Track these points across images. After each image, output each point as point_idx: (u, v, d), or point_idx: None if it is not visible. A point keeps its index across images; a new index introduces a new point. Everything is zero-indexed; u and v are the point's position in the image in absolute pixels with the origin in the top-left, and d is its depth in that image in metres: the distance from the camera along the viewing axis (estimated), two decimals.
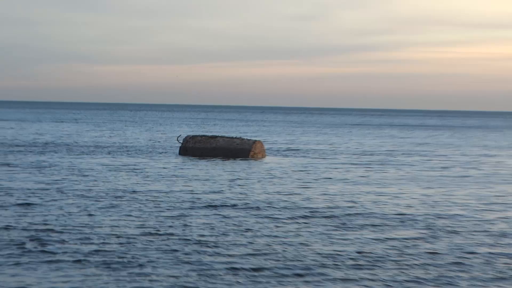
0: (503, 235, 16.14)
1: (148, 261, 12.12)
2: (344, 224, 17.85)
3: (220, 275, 11.48)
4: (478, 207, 21.96)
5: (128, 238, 14.38)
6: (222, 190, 23.68)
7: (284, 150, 49.77)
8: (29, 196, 20.56)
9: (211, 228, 16.16)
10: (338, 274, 11.87)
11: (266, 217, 18.31)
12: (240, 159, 37.69)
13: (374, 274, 12.02)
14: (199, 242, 13.96)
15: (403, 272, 12.12)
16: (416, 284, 11.14)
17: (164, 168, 32.87)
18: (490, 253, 13.60)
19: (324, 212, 19.91)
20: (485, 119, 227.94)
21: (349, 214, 19.33)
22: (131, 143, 56.61)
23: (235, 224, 16.90)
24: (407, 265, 12.65)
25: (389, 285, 10.95)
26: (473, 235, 16.04)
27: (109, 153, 42.93)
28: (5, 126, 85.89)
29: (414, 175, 32.41)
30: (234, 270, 11.79)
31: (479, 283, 11.30)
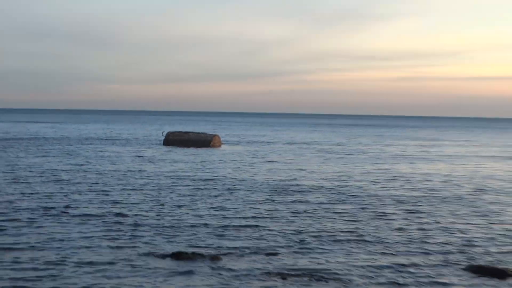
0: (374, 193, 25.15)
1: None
2: (276, 191, 25.69)
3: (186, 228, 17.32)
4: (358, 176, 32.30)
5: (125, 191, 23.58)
6: (195, 167, 34.09)
7: (235, 141, 64.49)
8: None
9: (189, 193, 24.24)
10: (274, 225, 17.73)
11: (224, 184, 27.38)
12: (204, 148, 50.15)
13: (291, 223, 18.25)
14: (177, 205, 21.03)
15: (315, 222, 18.53)
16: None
17: (153, 153, 44.37)
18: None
19: (258, 182, 28.71)
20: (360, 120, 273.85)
21: (277, 184, 27.64)
22: (135, 136, 73.10)
23: (206, 188, 25.59)
24: (318, 217, 19.22)
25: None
26: (359, 198, 23.96)
27: (123, 145, 55.93)
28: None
29: (328, 157, 44.82)
30: (205, 226, 17.51)
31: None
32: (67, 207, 20.48)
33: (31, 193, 23.07)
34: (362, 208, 21.58)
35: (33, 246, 14.53)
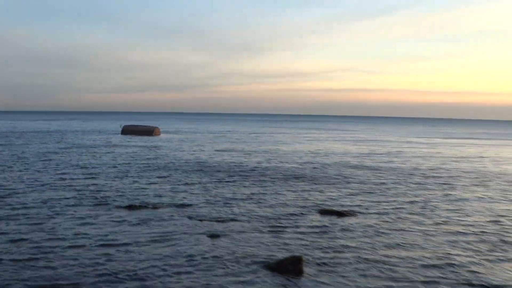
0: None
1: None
2: (201, 170, 30.88)
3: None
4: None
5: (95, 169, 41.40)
6: (142, 147, 49.26)
7: (171, 131, 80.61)
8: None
9: (140, 164, 42.21)
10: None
11: (161, 156, 42.52)
12: (149, 135, 65.26)
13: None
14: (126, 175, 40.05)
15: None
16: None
17: (115, 138, 59.11)
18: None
19: (190, 160, 41.24)
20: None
21: (206, 165, 37.04)
22: (104, 129, 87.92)
23: (150, 163, 41.69)
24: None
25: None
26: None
27: (97, 134, 71.37)
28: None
29: (243, 139, 57.44)
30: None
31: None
32: (62, 174, 29.26)
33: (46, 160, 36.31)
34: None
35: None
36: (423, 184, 27.60)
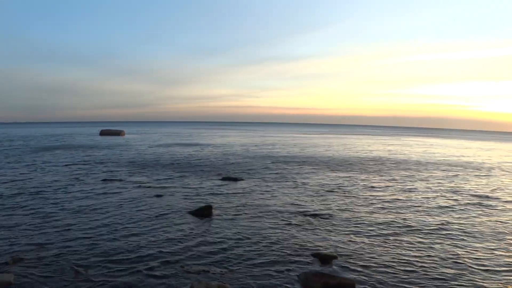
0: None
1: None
2: (166, 165, 32.64)
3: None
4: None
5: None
6: (113, 143, 47.27)
7: (133, 132, 77.93)
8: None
9: (111, 154, 41.60)
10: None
11: (124, 149, 43.71)
12: (118, 136, 63.29)
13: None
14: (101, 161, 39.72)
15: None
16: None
17: (95, 138, 56.59)
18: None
19: (145, 150, 43.67)
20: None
21: (168, 163, 43.29)
22: (87, 133, 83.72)
23: (117, 153, 42.34)
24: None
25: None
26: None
27: (84, 137, 66.71)
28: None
29: (179, 136, 57.50)
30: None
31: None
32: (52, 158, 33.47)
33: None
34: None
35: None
36: (288, 160, 29.07)
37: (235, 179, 19.24)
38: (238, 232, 10.52)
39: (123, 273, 7.67)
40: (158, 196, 14.99)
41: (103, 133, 63.29)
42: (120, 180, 18.23)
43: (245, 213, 12.62)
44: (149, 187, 16.83)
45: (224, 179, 19.38)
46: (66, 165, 23.76)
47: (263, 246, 9.48)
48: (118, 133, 62.87)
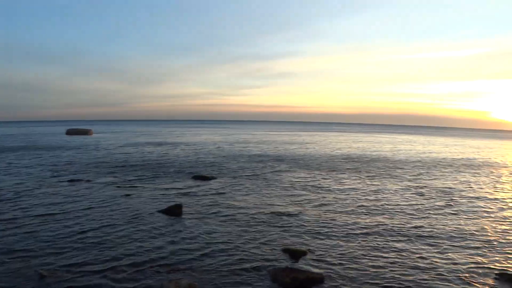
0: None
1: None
2: (136, 165, 40.93)
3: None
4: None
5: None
6: (80, 141, 46.29)
7: (102, 131, 75.71)
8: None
9: (79, 152, 40.45)
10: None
11: (90, 146, 42.41)
12: (86, 135, 61.64)
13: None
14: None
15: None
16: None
17: (63, 137, 54.59)
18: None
19: (113, 150, 43.41)
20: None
21: (138, 164, 43.48)
22: (55, 132, 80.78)
23: (84, 150, 41.21)
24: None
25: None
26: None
27: (51, 136, 64.62)
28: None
29: (148, 135, 57.85)
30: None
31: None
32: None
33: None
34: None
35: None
36: (261, 159, 29.32)
37: (207, 178, 19.17)
38: (208, 230, 10.57)
39: (92, 275, 7.57)
40: (127, 196, 14.79)
41: (70, 132, 61.36)
42: (88, 180, 17.82)
43: (216, 212, 12.68)
44: (118, 187, 16.56)
45: (195, 178, 19.30)
46: (30, 166, 22.90)
47: (233, 243, 9.57)
48: (85, 132, 61.17)
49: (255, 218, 12.00)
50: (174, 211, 12.21)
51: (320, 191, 16.53)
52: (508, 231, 11.29)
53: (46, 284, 7.22)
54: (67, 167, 22.49)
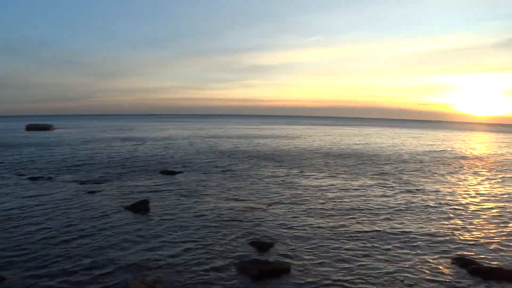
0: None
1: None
2: (101, 161, 41.40)
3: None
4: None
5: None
6: (42, 136, 44.11)
7: (63, 127, 72.99)
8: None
9: (40, 146, 38.95)
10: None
11: (52, 141, 40.04)
12: (47, 130, 59.57)
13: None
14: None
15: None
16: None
17: (23, 133, 52.28)
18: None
19: (69, 140, 40.67)
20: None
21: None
22: (14, 127, 76.30)
23: (44, 144, 39.84)
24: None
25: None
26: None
27: (12, 132, 62.14)
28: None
29: (124, 134, 55.60)
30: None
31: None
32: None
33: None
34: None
35: None
36: (230, 153, 29.36)
37: (174, 173, 19.05)
38: (175, 226, 10.53)
39: (54, 276, 7.38)
40: (91, 193, 14.45)
41: (30, 128, 59.06)
42: (49, 178, 17.25)
43: (183, 207, 12.63)
44: (81, 184, 16.14)
45: (163, 173, 19.14)
46: None
47: (200, 237, 9.60)
48: (46, 128, 59.14)
49: (223, 212, 12.05)
50: (141, 207, 12.06)
51: (289, 186, 16.79)
52: (468, 218, 11.96)
53: (5, 286, 6.98)
54: (26, 165, 21.61)
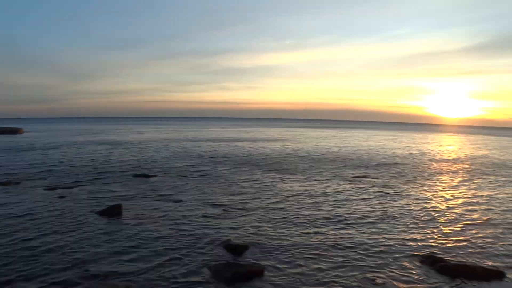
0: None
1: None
2: (74, 165, 41.54)
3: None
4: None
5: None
6: (12, 140, 42.34)
7: (36, 131, 70.53)
8: None
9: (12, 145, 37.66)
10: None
11: (22, 143, 39.35)
12: (16, 134, 57.25)
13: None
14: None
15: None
16: None
17: None
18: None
19: (45, 148, 39.85)
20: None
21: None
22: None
23: (15, 146, 37.99)
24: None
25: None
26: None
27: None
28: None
29: (97, 138, 54.17)
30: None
31: None
32: None
33: None
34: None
35: None
36: (204, 156, 29.23)
37: (148, 176, 18.79)
38: (149, 230, 10.39)
39: (21, 283, 7.15)
40: (61, 198, 14.07)
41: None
42: (17, 183, 16.66)
43: (157, 210, 12.49)
44: (52, 189, 15.66)
45: (136, 176, 18.83)
46: None
47: (173, 241, 9.52)
48: (15, 131, 56.87)
49: (197, 216, 11.97)
50: (113, 212, 11.84)
51: (265, 189, 16.84)
52: (438, 218, 12.34)
53: None
54: None
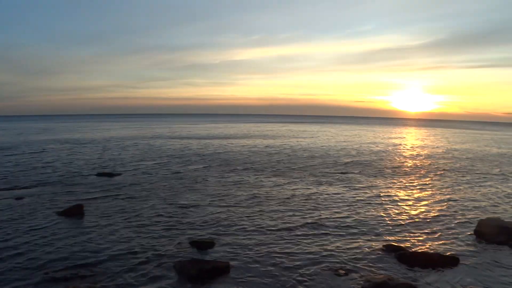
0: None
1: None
2: (31, 165, 39.55)
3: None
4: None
5: None
6: None
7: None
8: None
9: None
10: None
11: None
12: None
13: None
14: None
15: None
16: None
17: None
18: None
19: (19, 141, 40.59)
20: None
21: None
22: None
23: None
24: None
25: None
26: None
27: None
28: None
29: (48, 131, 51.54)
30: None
31: None
32: None
33: None
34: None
35: None
36: (171, 153, 28.79)
37: (112, 175, 18.37)
38: (112, 230, 10.21)
39: None
40: (19, 199, 13.52)
41: None
42: None
43: (120, 209, 12.28)
44: (9, 190, 15.02)
45: (99, 175, 18.38)
46: None
47: (137, 240, 9.39)
48: None
49: (162, 213, 11.88)
50: (74, 212, 11.53)
51: (232, 186, 16.85)
52: (400, 209, 12.84)
53: None
54: None
